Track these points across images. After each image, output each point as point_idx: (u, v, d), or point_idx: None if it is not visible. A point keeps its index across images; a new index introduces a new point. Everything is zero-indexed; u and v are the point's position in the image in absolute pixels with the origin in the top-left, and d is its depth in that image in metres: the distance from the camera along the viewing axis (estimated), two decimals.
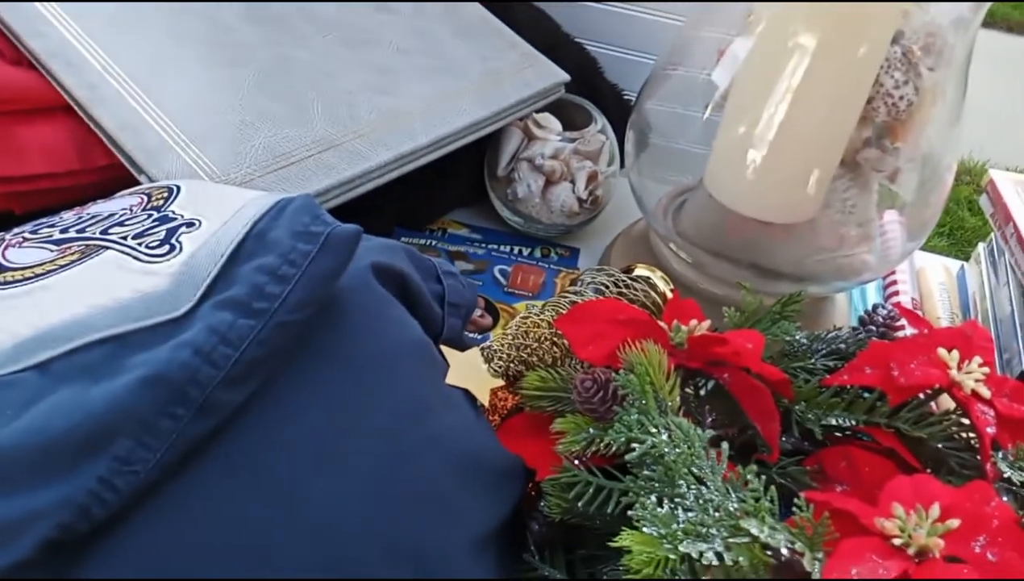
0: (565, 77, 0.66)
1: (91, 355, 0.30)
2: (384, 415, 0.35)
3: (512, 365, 0.44)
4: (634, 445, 0.38)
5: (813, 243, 0.57)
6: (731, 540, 0.34)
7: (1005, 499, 0.41)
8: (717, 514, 0.36)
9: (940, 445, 0.44)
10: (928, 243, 2.00)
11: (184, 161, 0.47)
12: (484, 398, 0.41)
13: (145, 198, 0.40)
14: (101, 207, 0.40)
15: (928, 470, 0.43)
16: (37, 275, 0.33)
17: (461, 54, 0.62)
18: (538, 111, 0.66)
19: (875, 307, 0.52)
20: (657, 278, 0.56)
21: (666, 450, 0.38)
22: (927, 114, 0.52)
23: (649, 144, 0.62)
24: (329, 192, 0.50)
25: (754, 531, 0.34)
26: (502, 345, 0.45)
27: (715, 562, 0.34)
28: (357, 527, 0.33)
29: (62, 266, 0.34)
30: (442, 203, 0.69)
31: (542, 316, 0.49)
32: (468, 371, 0.41)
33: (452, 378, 0.40)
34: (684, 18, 0.72)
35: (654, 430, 0.39)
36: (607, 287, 0.54)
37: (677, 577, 0.34)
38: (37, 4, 0.51)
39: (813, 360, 0.49)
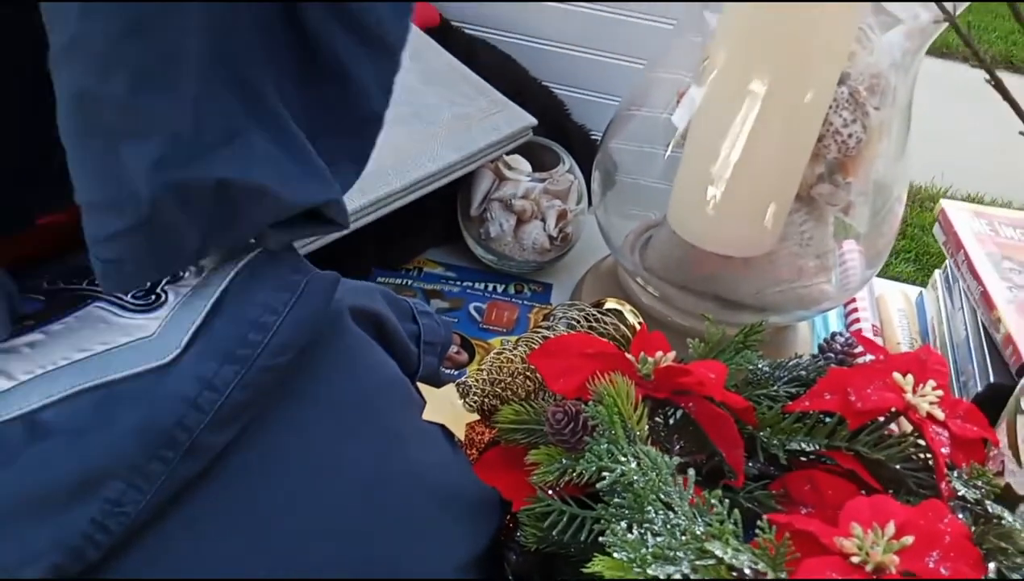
0: (533, 121, 0.69)
1: (81, 402, 0.31)
2: (364, 451, 0.37)
3: (487, 400, 0.46)
4: (605, 473, 0.40)
5: (772, 275, 0.59)
6: (698, 562, 0.36)
7: (961, 516, 0.43)
8: (684, 537, 0.37)
9: (898, 466, 0.45)
10: (895, 269, 2.04)
11: None
12: (460, 432, 0.43)
13: None
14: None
15: (888, 491, 0.45)
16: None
17: (431, 101, 0.65)
18: (508, 153, 0.68)
19: (833, 335, 0.54)
20: (627, 311, 0.58)
21: (635, 477, 0.39)
22: (875, 150, 0.55)
23: (615, 182, 0.64)
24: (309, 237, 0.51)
25: (719, 553, 0.36)
26: (477, 380, 0.46)
27: None
28: (340, 560, 0.34)
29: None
30: (418, 243, 0.71)
31: (515, 352, 0.51)
32: (445, 407, 0.42)
33: (429, 414, 0.41)
34: (644, 62, 0.76)
35: (623, 458, 0.40)
36: (578, 322, 0.56)
37: None
38: None
39: (776, 387, 0.51)
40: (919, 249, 2.17)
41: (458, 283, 0.69)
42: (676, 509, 0.39)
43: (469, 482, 0.41)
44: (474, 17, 0.79)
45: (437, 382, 0.45)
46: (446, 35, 0.75)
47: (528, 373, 0.49)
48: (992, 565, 0.39)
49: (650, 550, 0.37)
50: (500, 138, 0.65)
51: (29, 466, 0.29)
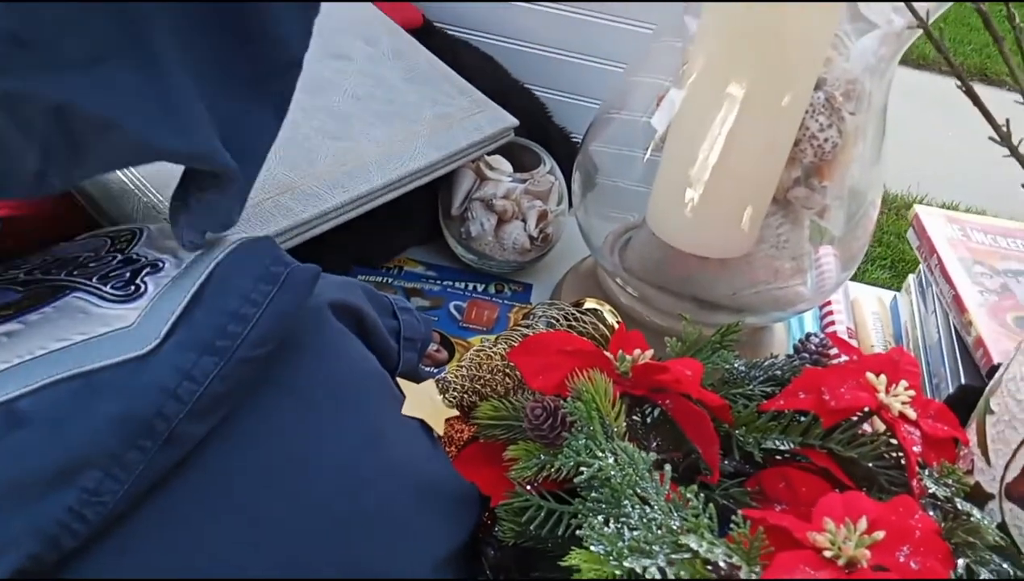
0: (514, 122, 0.69)
1: (59, 392, 0.31)
2: (342, 444, 0.37)
3: (466, 396, 0.46)
4: (582, 469, 0.40)
5: (749, 276, 0.60)
6: (673, 556, 0.37)
7: (932, 513, 0.44)
8: (660, 531, 0.38)
9: (871, 464, 0.46)
10: (870, 275, 2.07)
11: (145, 204, 0.49)
12: (440, 428, 0.43)
13: (109, 241, 0.41)
14: (66, 249, 0.41)
15: (861, 488, 0.46)
16: (4, 317, 0.34)
17: (413, 99, 0.65)
18: (490, 153, 0.69)
19: (808, 336, 0.55)
20: (605, 311, 0.59)
21: (612, 473, 0.40)
22: (850, 154, 0.56)
23: (595, 184, 0.65)
24: (287, 233, 0.51)
25: (694, 546, 0.36)
26: (456, 377, 0.47)
27: (658, 576, 0.36)
28: (317, 552, 0.34)
29: (29, 307, 0.35)
30: (398, 242, 0.71)
31: (495, 349, 0.51)
32: (424, 402, 0.43)
33: (408, 409, 0.41)
34: (625, 65, 0.76)
35: (601, 454, 0.41)
36: (557, 320, 0.57)
37: None
38: None
39: (751, 386, 0.52)
40: (895, 256, 2.20)
41: (438, 282, 0.69)
42: (652, 504, 0.39)
43: (448, 477, 0.41)
44: (457, 18, 0.79)
45: (416, 378, 0.45)
46: (429, 36, 0.75)
47: (507, 370, 0.49)
48: (961, 561, 0.40)
49: (626, 544, 0.37)
50: (482, 138, 0.65)
51: (5, 454, 0.29)
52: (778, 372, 0.53)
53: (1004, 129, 0.42)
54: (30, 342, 0.33)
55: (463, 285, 0.70)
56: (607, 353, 0.48)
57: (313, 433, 0.36)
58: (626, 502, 0.39)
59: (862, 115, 0.55)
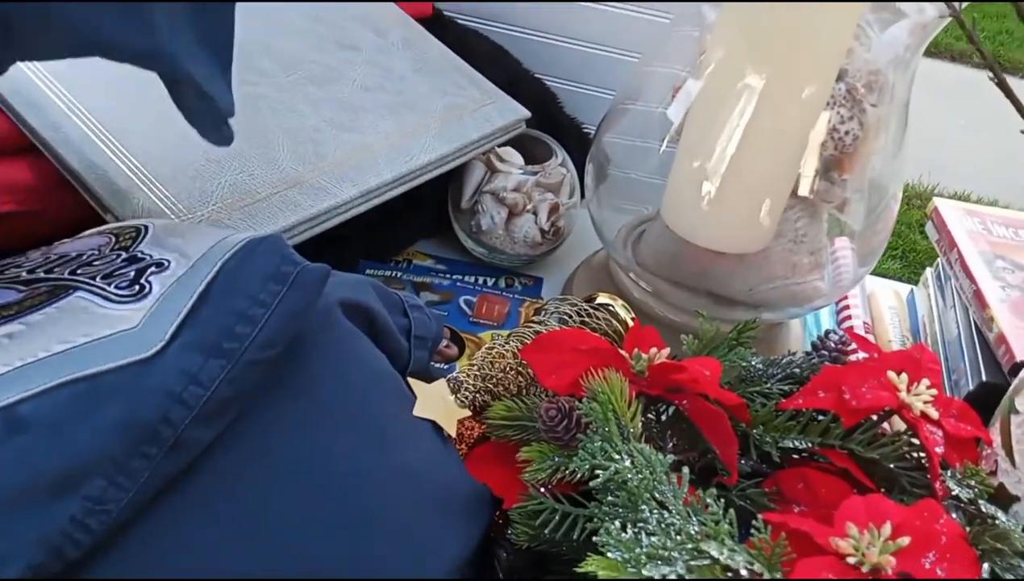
0: (526, 114, 0.68)
1: (62, 396, 0.30)
2: (352, 447, 0.36)
3: (478, 395, 0.45)
4: (598, 472, 0.39)
5: (766, 272, 0.59)
6: (692, 563, 0.36)
7: (954, 516, 0.43)
8: (679, 537, 0.37)
9: (892, 465, 0.45)
10: (882, 266, 2.05)
11: (151, 200, 0.48)
12: (452, 428, 0.42)
13: (113, 238, 0.40)
14: (68, 247, 0.40)
15: (881, 490, 0.45)
16: (5, 317, 0.34)
17: (423, 91, 0.64)
18: (500, 145, 0.68)
19: (827, 332, 0.54)
20: (618, 306, 0.58)
21: (629, 476, 0.39)
22: (872, 147, 0.55)
23: (608, 176, 0.64)
24: (295, 228, 0.50)
25: (714, 553, 0.36)
26: (468, 376, 0.46)
27: None
28: (327, 558, 0.34)
29: (31, 307, 0.34)
30: (407, 235, 0.70)
31: (507, 346, 0.50)
32: (435, 402, 0.42)
33: (419, 410, 0.40)
34: (639, 55, 0.75)
35: (617, 456, 0.40)
36: (570, 316, 0.56)
37: None
38: None
39: (769, 384, 0.51)
40: (906, 246, 2.18)
41: (448, 276, 0.68)
42: (671, 508, 0.38)
43: (460, 479, 0.40)
44: (467, 8, 0.78)
45: (428, 377, 0.44)
46: (439, 26, 0.74)
47: (520, 368, 0.48)
48: (986, 566, 0.39)
49: (644, 550, 0.36)
50: (493, 130, 0.64)
51: (6, 461, 0.28)
52: (796, 370, 0.52)
53: None
54: (32, 344, 0.32)
55: (473, 279, 0.69)
56: (622, 351, 0.47)
57: (322, 437, 0.35)
58: (643, 506, 0.38)
59: (884, 107, 0.54)
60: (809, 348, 0.55)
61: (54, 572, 0.28)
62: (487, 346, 0.49)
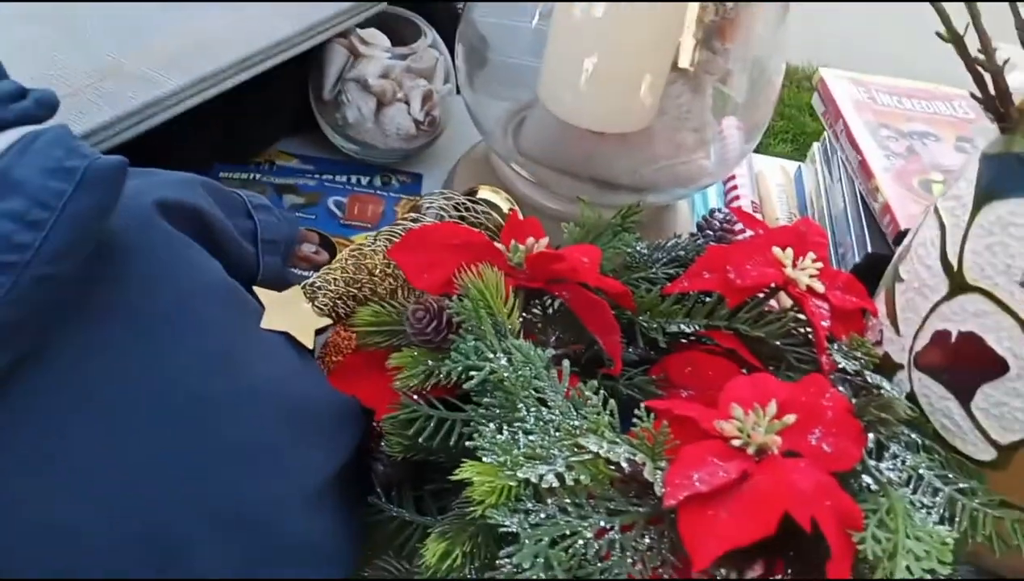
0: None
1: None
2: (187, 371, 0.31)
3: (340, 301, 0.41)
4: (472, 373, 0.37)
5: (650, 152, 0.56)
6: (572, 459, 0.33)
7: (841, 388, 0.42)
8: (558, 434, 0.34)
9: (778, 342, 0.44)
10: (773, 149, 2.07)
11: None
12: (308, 340, 0.38)
13: None
14: None
15: (769, 368, 0.44)
16: None
17: None
18: (361, 26, 0.61)
19: (712, 212, 0.52)
20: (501, 200, 0.54)
21: (506, 375, 0.36)
22: (754, 13, 0.52)
23: (483, 59, 0.59)
24: (113, 126, 0.43)
25: (593, 447, 0.33)
26: (327, 280, 0.41)
27: (556, 484, 0.32)
28: (166, 491, 0.30)
29: None
30: (266, 132, 0.63)
31: (375, 246, 0.46)
32: (288, 312, 0.37)
33: (268, 322, 0.36)
34: None
35: (492, 355, 0.37)
36: (447, 211, 0.52)
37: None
38: None
39: (654, 270, 0.49)
40: (796, 129, 2.20)
41: (315, 176, 0.63)
42: (550, 404, 0.36)
43: (320, 394, 0.37)
44: None
45: (284, 285, 0.40)
46: None
47: (388, 270, 0.44)
48: (871, 436, 0.39)
49: (522, 451, 0.34)
50: (348, 7, 0.57)
51: None
52: (682, 252, 0.50)
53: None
54: None
55: (344, 179, 0.63)
56: (499, 244, 0.43)
57: (149, 359, 0.30)
58: (521, 405, 0.36)
59: None
60: (695, 230, 0.53)
61: None
62: (350, 248, 0.44)
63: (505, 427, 0.35)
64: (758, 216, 0.66)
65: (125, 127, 0.44)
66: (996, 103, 0.39)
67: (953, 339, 0.41)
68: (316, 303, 0.40)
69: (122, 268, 0.31)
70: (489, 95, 0.59)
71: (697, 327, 0.44)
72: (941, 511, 0.37)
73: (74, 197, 0.28)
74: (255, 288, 0.37)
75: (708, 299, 0.45)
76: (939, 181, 0.58)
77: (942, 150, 0.61)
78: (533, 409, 0.35)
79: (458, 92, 0.61)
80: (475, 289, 0.39)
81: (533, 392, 0.36)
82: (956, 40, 0.38)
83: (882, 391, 0.41)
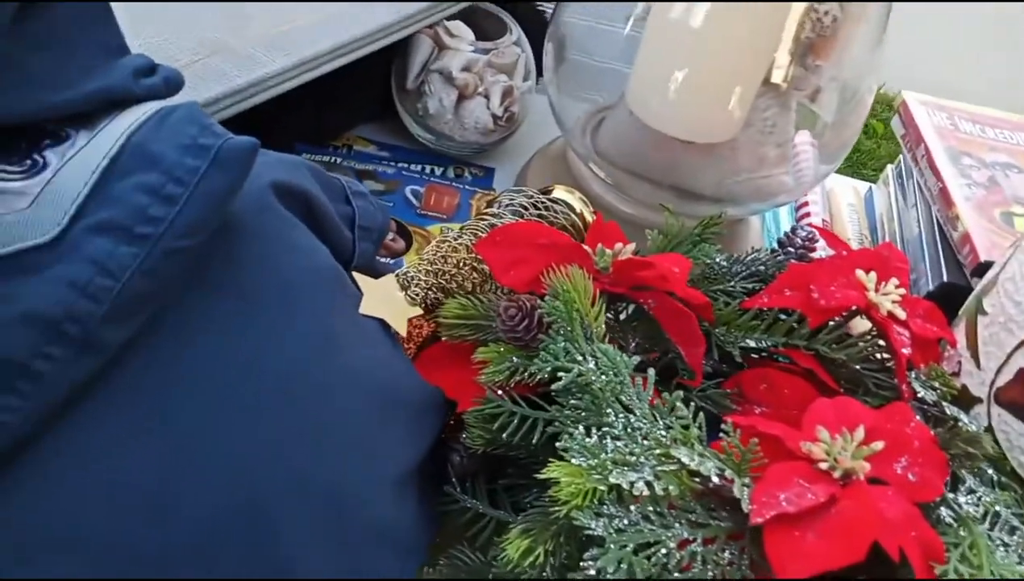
0: None
1: None
2: (292, 349, 0.32)
3: (430, 292, 0.42)
4: (560, 374, 0.37)
5: (733, 164, 0.56)
6: (660, 468, 0.34)
7: (918, 418, 0.42)
8: (646, 442, 0.35)
9: (858, 366, 0.44)
10: None
11: None
12: (401, 328, 0.38)
13: None
14: None
15: (846, 391, 0.43)
16: None
17: None
18: (449, 19, 0.61)
19: (794, 229, 0.52)
20: (575, 200, 0.54)
21: (593, 378, 0.36)
22: (850, 32, 0.51)
23: (568, 58, 0.59)
24: (218, 102, 0.44)
25: (684, 459, 0.34)
26: (419, 271, 0.42)
27: (645, 492, 0.33)
28: (265, 468, 0.30)
29: None
30: (348, 117, 0.64)
31: (460, 240, 0.46)
32: (383, 300, 0.38)
33: (366, 307, 0.37)
34: None
35: (580, 358, 0.37)
36: (526, 209, 0.52)
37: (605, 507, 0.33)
38: None
39: (732, 283, 0.49)
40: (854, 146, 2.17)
41: (392, 164, 0.63)
42: (636, 412, 0.36)
43: (411, 382, 0.37)
44: None
45: (373, 272, 0.40)
46: None
47: (474, 264, 0.44)
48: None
49: (610, 455, 0.34)
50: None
51: None
52: (761, 267, 0.50)
53: None
54: None
55: (420, 168, 0.64)
56: (585, 247, 0.44)
57: (256, 338, 0.31)
58: (608, 410, 0.36)
59: None
60: (772, 245, 0.52)
61: None
62: (438, 239, 0.45)
63: (593, 431, 0.35)
64: (836, 235, 0.65)
65: (229, 104, 0.45)
66: None
67: None
68: (408, 293, 0.40)
69: (236, 246, 0.32)
70: (572, 95, 0.60)
71: (775, 344, 0.44)
72: (1020, 551, 0.37)
73: (208, 174, 0.28)
74: (354, 273, 0.38)
75: (786, 316, 0.44)
76: (1021, 214, 0.57)
77: None
78: (620, 415, 0.36)
79: (536, 88, 0.61)
80: (565, 290, 0.39)
81: (620, 398, 0.36)
82: None
83: (960, 423, 0.41)
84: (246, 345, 0.31)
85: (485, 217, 0.49)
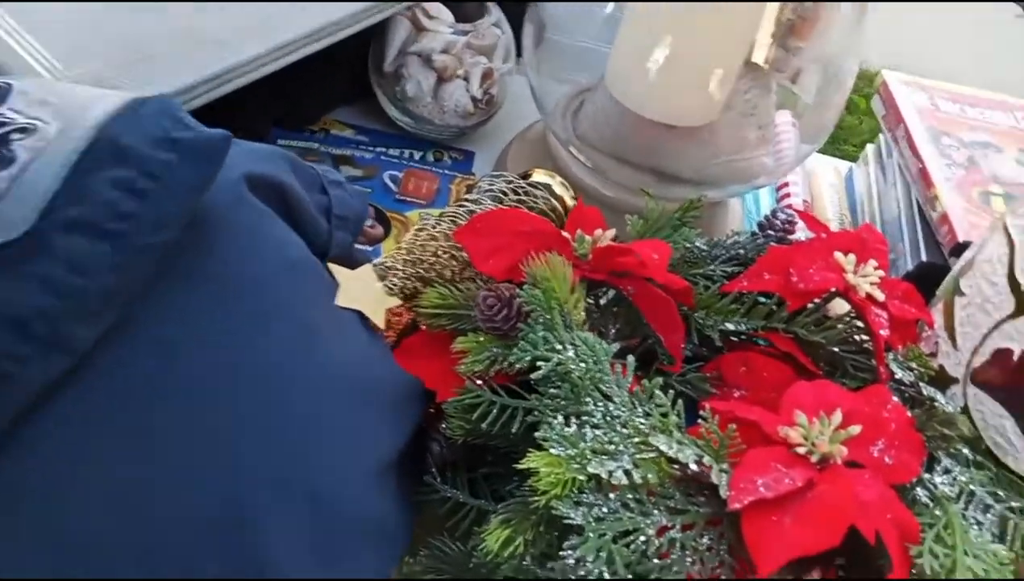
0: None
1: None
2: (268, 344, 0.32)
3: (408, 282, 0.42)
4: (540, 363, 0.37)
5: (713, 146, 0.56)
6: (639, 456, 0.34)
7: (895, 399, 0.42)
8: (625, 430, 0.35)
9: (836, 349, 0.44)
10: None
11: (17, 54, 0.40)
12: (380, 318, 0.38)
13: None
14: None
15: (825, 374, 0.44)
16: None
17: None
18: (427, 0, 0.61)
19: (774, 212, 0.51)
20: (556, 184, 0.54)
21: (572, 367, 0.36)
22: (831, 14, 0.51)
23: (548, 40, 0.58)
24: (191, 90, 0.44)
25: (663, 447, 0.34)
26: (397, 260, 0.42)
27: (624, 480, 0.33)
28: (244, 466, 0.30)
29: None
30: (324, 101, 0.63)
31: (439, 228, 0.46)
32: (360, 290, 0.38)
33: (342, 299, 0.36)
34: None
35: (560, 347, 0.37)
36: (506, 194, 0.52)
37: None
38: None
39: (713, 266, 0.49)
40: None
41: (371, 148, 0.63)
42: (615, 399, 0.36)
43: (389, 374, 0.37)
44: None
45: (351, 262, 0.40)
46: None
47: (453, 251, 0.44)
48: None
49: (589, 444, 0.34)
50: None
51: None
52: (741, 251, 0.50)
53: None
54: None
55: (398, 152, 0.63)
56: (564, 233, 0.43)
57: (232, 333, 0.31)
58: (588, 398, 0.36)
59: None
60: (753, 228, 0.52)
61: None
62: (416, 227, 0.45)
63: (572, 419, 0.35)
64: (816, 217, 0.65)
65: (202, 92, 0.44)
66: None
67: (1015, 358, 0.41)
68: (386, 282, 0.40)
69: (208, 238, 0.31)
70: (552, 77, 0.59)
71: (755, 328, 0.44)
72: (993, 529, 0.37)
73: (180, 169, 0.28)
74: (330, 265, 0.37)
75: (766, 300, 0.45)
76: (999, 193, 0.57)
77: (1003, 162, 0.60)
78: (600, 404, 0.36)
79: (516, 69, 0.60)
80: (545, 278, 0.39)
81: (599, 387, 0.36)
82: None
83: (936, 404, 0.41)
84: (222, 341, 0.31)
85: (464, 204, 0.49)
